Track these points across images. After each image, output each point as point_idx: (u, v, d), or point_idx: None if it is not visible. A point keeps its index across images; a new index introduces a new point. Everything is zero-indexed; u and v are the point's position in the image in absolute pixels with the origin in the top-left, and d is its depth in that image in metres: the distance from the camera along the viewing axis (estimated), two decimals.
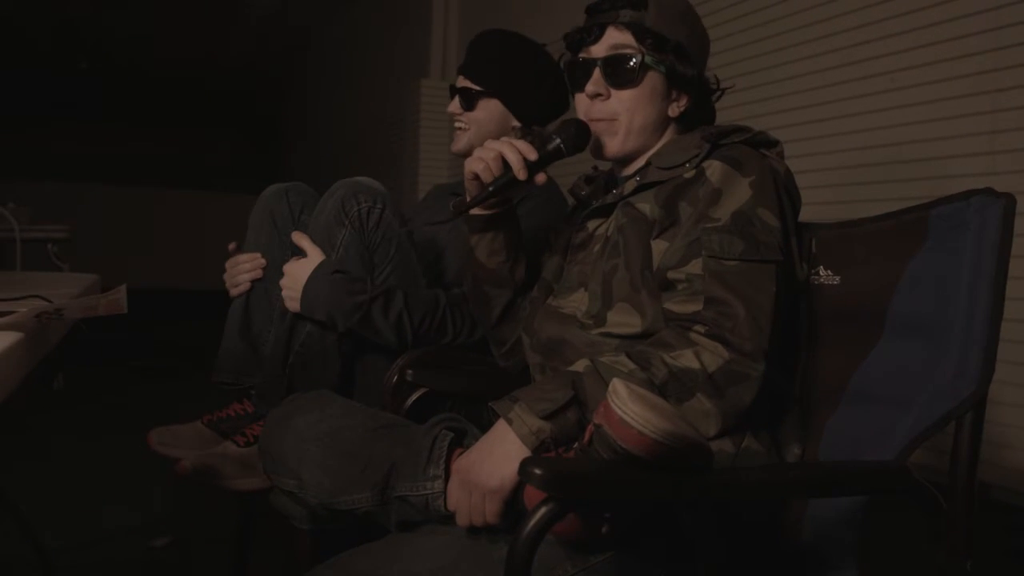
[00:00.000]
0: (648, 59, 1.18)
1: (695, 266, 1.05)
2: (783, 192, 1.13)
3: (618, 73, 1.19)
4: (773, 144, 1.19)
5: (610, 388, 0.79)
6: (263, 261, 1.67)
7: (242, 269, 1.67)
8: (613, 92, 1.20)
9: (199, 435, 1.58)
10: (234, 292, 1.68)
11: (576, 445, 0.89)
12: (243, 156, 10.21)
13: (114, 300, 0.92)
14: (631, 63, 1.18)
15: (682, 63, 1.19)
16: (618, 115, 1.20)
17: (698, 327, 1.01)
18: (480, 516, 0.98)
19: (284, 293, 1.50)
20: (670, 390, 0.97)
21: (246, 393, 1.64)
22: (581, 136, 1.21)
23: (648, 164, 1.21)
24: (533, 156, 1.16)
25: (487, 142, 1.20)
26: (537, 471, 0.73)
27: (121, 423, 3.05)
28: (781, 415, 1.11)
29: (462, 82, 1.68)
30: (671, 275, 1.07)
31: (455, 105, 1.68)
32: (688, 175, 1.14)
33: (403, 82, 5.44)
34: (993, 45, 2.20)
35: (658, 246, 1.12)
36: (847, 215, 1.20)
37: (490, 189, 1.17)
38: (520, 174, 1.15)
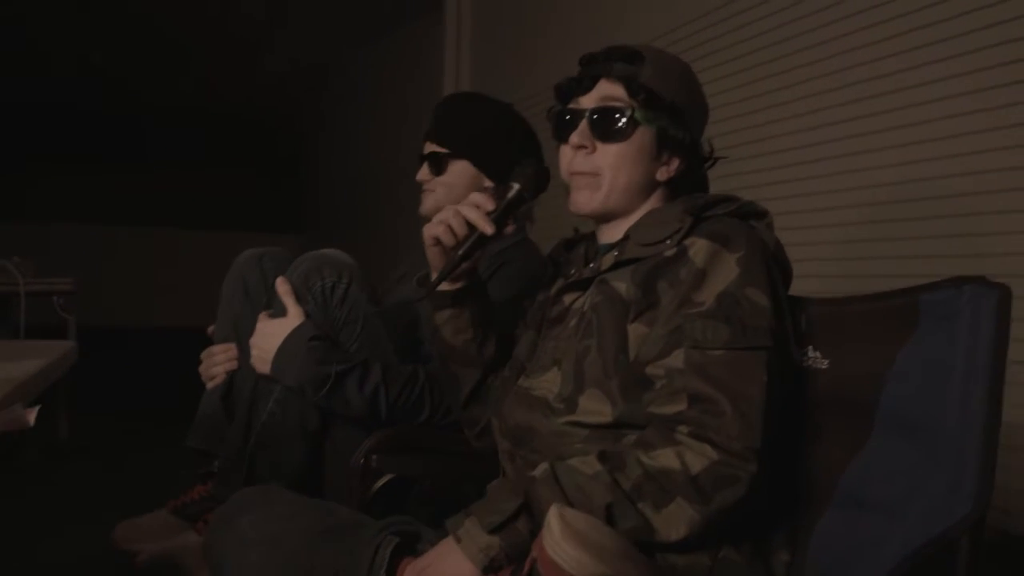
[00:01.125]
0: (639, 115, 1.10)
1: (676, 358, 0.97)
2: (773, 265, 1.04)
3: (606, 126, 1.11)
4: (762, 215, 1.09)
5: (545, 522, 0.70)
6: (236, 351, 1.61)
7: (216, 361, 1.62)
8: (599, 145, 1.12)
9: (164, 525, 1.52)
10: (210, 385, 1.63)
11: (521, 573, 0.80)
12: (263, 196, 10.25)
13: (14, 419, 0.85)
14: (621, 117, 1.10)
15: (676, 125, 1.11)
16: (601, 171, 1.12)
17: (682, 427, 0.92)
18: None
19: (254, 352, 1.44)
20: (645, 493, 0.89)
21: (209, 474, 1.56)
22: (540, 178, 1.19)
23: (627, 237, 1.12)
24: (490, 206, 1.12)
25: (446, 207, 1.15)
26: None
27: (115, 484, 2.92)
28: (766, 518, 1.00)
29: (429, 147, 1.62)
30: (649, 371, 0.99)
31: (424, 172, 1.62)
32: (669, 253, 1.05)
33: (416, 125, 5.42)
34: None
35: (635, 331, 1.03)
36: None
37: (460, 254, 1.12)
38: (487, 229, 1.10)
